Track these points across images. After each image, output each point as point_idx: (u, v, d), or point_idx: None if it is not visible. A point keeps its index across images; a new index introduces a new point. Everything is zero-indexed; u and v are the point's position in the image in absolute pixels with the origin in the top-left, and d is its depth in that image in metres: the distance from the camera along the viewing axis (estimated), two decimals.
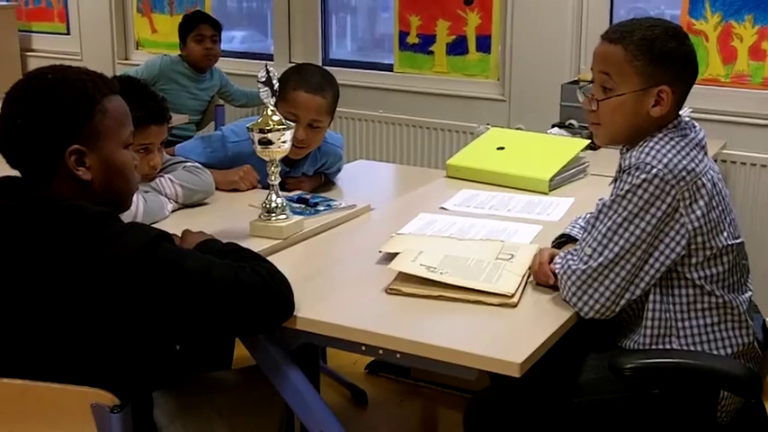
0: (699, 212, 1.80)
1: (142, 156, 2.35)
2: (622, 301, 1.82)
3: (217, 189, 2.61)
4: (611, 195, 1.87)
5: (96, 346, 1.59)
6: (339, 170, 2.99)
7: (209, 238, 1.92)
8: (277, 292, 1.70)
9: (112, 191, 1.72)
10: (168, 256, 1.61)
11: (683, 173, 1.80)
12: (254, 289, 1.65)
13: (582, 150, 2.84)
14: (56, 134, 1.64)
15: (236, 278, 1.64)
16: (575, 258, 1.85)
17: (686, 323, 1.87)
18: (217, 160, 2.72)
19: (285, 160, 2.73)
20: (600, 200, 1.91)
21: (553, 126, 3.50)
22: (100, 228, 1.59)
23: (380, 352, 1.72)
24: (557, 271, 1.87)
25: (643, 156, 1.84)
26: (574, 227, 2.12)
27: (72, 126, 1.65)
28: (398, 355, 1.69)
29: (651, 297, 1.87)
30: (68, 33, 5.81)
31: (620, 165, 1.93)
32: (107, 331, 1.58)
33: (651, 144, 1.86)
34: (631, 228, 1.79)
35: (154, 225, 2.28)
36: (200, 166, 2.55)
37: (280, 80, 2.72)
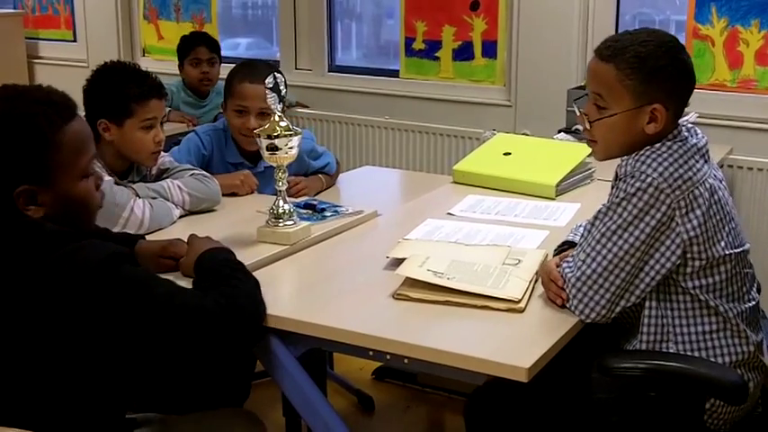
0: (695, 222, 1.78)
1: (146, 133, 2.37)
2: (617, 308, 1.81)
3: None
4: (607, 203, 1.86)
5: (52, 377, 1.50)
6: (323, 158, 2.95)
7: (215, 246, 1.92)
8: (235, 316, 1.65)
9: (70, 220, 1.60)
10: (133, 277, 1.55)
11: (679, 182, 1.79)
12: (212, 315, 1.61)
13: (588, 156, 2.84)
14: (1, 176, 1.52)
15: (198, 305, 1.61)
16: (570, 264, 1.85)
17: (684, 329, 1.86)
18: (201, 154, 2.81)
19: (252, 157, 2.81)
20: (602, 206, 1.90)
21: (559, 131, 3.51)
22: (56, 245, 1.49)
23: (388, 357, 1.72)
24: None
25: (638, 164, 1.82)
26: (576, 234, 2.11)
27: (20, 167, 1.53)
28: (406, 360, 1.70)
29: (647, 303, 1.86)
30: (75, 40, 5.83)
31: (617, 172, 1.91)
32: (64, 358, 1.50)
33: (648, 153, 1.83)
34: (625, 236, 1.78)
35: (161, 231, 2.32)
36: (207, 174, 2.57)
37: (225, 80, 2.81)
